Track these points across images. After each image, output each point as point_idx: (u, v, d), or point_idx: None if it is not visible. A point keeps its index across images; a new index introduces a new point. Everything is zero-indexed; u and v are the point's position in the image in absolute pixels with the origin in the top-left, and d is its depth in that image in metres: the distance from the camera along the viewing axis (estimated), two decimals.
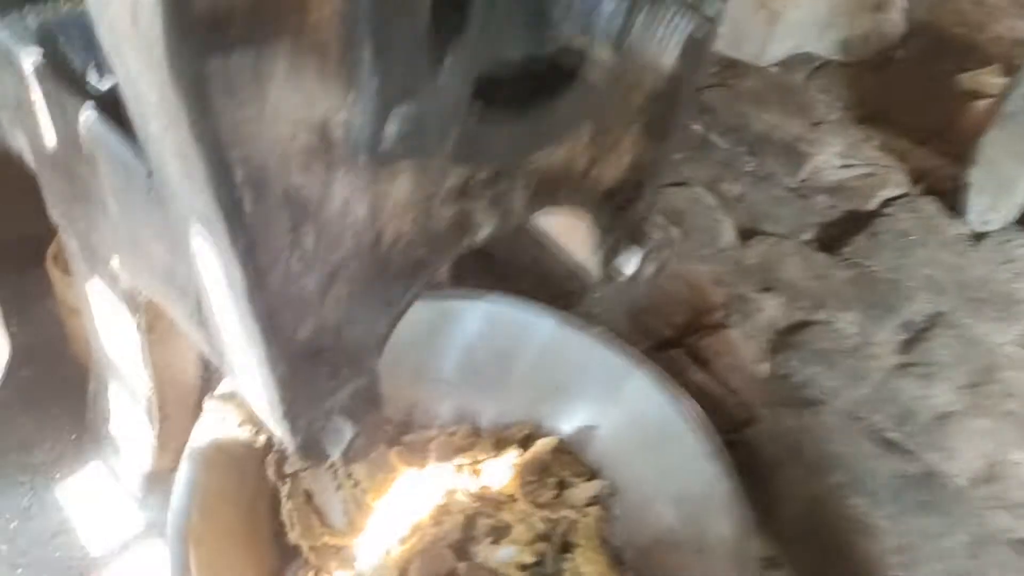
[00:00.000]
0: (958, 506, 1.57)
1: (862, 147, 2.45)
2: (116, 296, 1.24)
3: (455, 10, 0.72)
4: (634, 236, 1.17)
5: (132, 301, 1.21)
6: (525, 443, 1.60)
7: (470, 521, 1.51)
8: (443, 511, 1.49)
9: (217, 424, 1.40)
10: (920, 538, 1.53)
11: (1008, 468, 1.64)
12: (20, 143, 1.15)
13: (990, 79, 2.65)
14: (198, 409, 1.40)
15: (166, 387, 1.42)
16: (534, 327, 1.60)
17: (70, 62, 1.01)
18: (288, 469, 1.48)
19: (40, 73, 0.99)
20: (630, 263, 1.20)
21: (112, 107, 0.93)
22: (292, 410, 0.89)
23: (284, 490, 1.47)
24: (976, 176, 2.14)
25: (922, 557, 1.51)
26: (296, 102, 0.68)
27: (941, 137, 2.47)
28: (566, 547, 1.50)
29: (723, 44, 2.68)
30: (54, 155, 1.07)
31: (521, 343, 1.60)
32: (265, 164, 0.69)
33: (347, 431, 0.93)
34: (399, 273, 0.92)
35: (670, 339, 1.88)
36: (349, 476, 1.48)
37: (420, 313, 1.59)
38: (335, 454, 0.94)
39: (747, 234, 2.18)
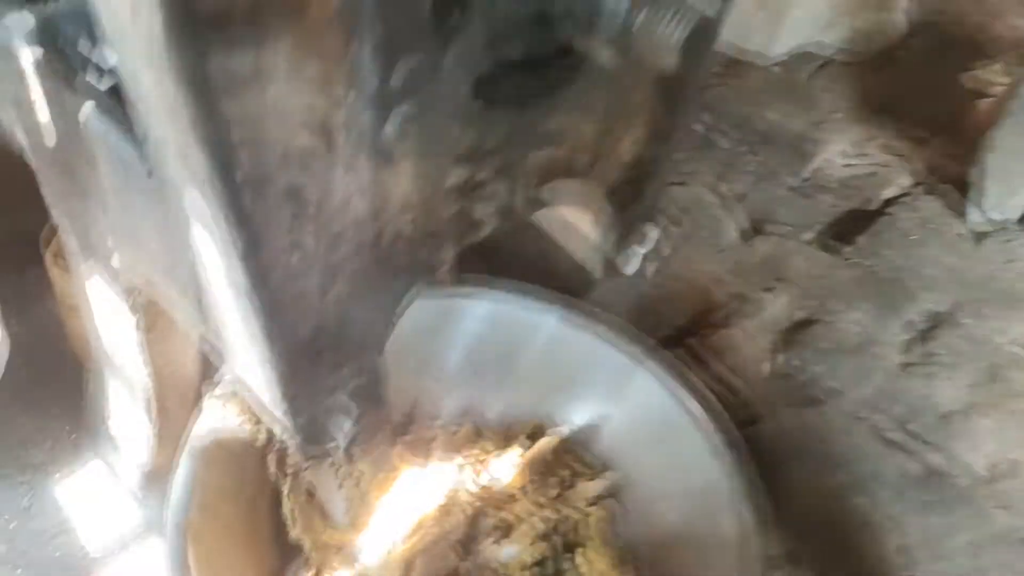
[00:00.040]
0: (964, 505, 1.56)
1: (866, 145, 2.43)
2: (115, 294, 1.23)
3: (456, 9, 0.71)
4: (635, 235, 1.17)
5: (131, 299, 1.21)
6: (530, 439, 1.59)
7: (474, 519, 1.50)
8: (446, 509, 1.48)
9: (217, 420, 1.39)
10: (925, 537, 1.52)
11: (1014, 467, 1.62)
12: (20, 140, 1.14)
13: (994, 77, 2.63)
14: (198, 406, 1.39)
15: (165, 384, 1.41)
16: (538, 322, 1.59)
17: (70, 59, 1.00)
18: (289, 466, 1.47)
19: (40, 70, 0.99)
20: (632, 261, 1.19)
21: (112, 105, 0.94)
22: (293, 406, 0.89)
23: (285, 487, 1.47)
24: (980, 174, 2.12)
25: (927, 556, 1.50)
26: (297, 100, 0.67)
27: (945, 135, 2.44)
28: (571, 545, 1.49)
29: (725, 42, 2.66)
30: (54, 152, 1.07)
31: (525, 338, 1.59)
32: (266, 163, 0.68)
33: (349, 427, 0.92)
34: (400, 271, 0.91)
35: (673, 337, 1.87)
36: (351, 473, 1.47)
37: (422, 309, 1.57)
38: (337, 450, 0.93)
39: (750, 232, 2.16)
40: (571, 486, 1.57)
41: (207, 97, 0.61)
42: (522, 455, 1.55)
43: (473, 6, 0.71)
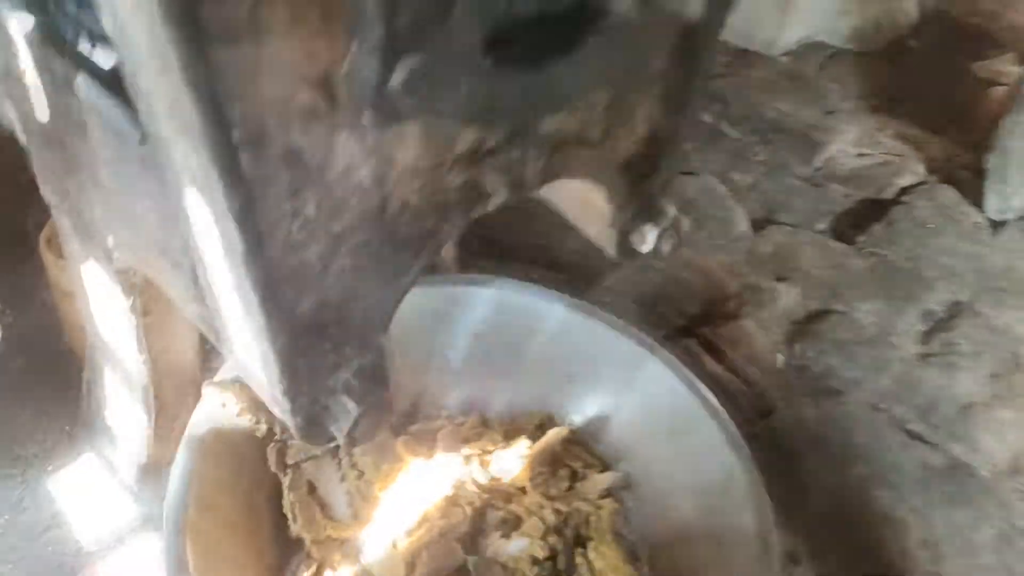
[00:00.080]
0: (986, 498, 1.52)
1: (877, 136, 2.41)
2: (110, 277, 1.19)
3: None
4: (650, 212, 1.12)
5: (126, 281, 1.16)
6: (536, 433, 1.54)
7: (479, 513, 1.45)
8: (451, 503, 1.43)
9: (216, 411, 1.34)
10: (948, 531, 1.48)
11: None
12: (10, 116, 1.10)
13: (1006, 67, 2.61)
14: (197, 397, 1.35)
15: (163, 374, 1.37)
16: (544, 313, 1.54)
17: (61, 30, 0.96)
18: (290, 459, 1.42)
19: (31, 40, 0.95)
20: (646, 240, 1.14)
21: (105, 77, 0.90)
22: (293, 388, 0.84)
23: (286, 481, 1.42)
24: (994, 164, 2.10)
25: (951, 551, 1.46)
26: (297, 53, 0.63)
27: (958, 125, 2.42)
28: (579, 541, 1.44)
29: (733, 33, 2.64)
30: (45, 126, 1.03)
31: (531, 329, 1.55)
32: (264, 122, 0.64)
33: (351, 411, 0.88)
34: (406, 244, 0.87)
35: (683, 328, 1.84)
36: (354, 466, 1.43)
37: (426, 299, 1.56)
38: (338, 435, 0.88)
39: (760, 224, 2.14)
40: (580, 479, 1.52)
41: (200, 45, 0.57)
42: (529, 448, 1.50)
43: None
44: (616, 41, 0.82)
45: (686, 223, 2.17)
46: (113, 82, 0.87)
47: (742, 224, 2.09)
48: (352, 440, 0.89)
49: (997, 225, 2.07)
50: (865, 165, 2.30)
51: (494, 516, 1.45)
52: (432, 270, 1.62)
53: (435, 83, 0.70)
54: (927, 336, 1.82)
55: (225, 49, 0.58)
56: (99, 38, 0.93)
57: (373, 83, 0.67)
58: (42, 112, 1.01)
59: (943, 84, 2.61)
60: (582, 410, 1.57)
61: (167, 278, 0.96)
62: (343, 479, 1.44)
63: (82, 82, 0.91)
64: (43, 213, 1.40)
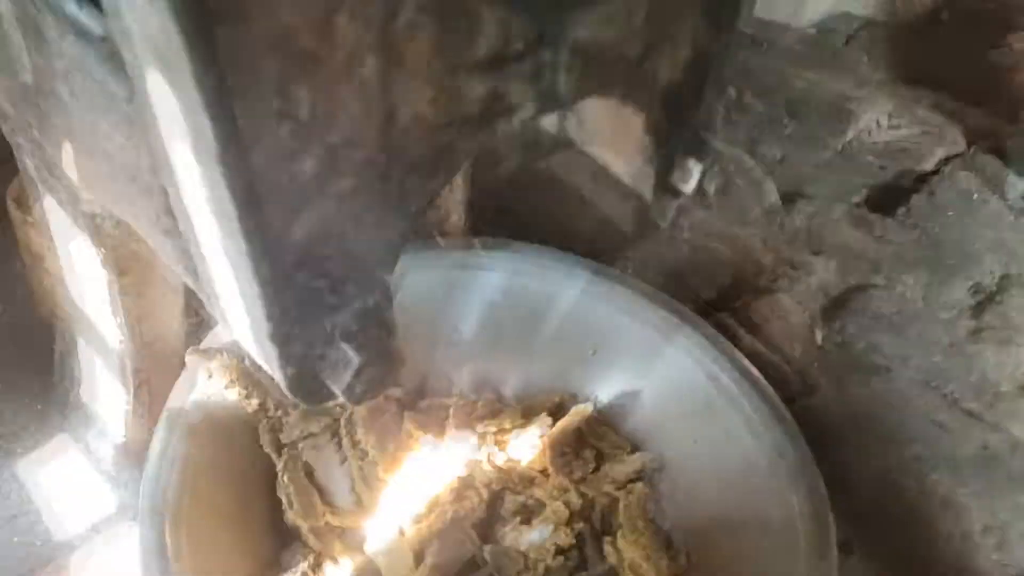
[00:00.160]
0: None
1: (913, 107, 2.30)
2: (79, 225, 1.06)
3: None
4: (694, 146, 0.99)
5: (95, 227, 1.04)
6: (556, 413, 1.42)
7: (496, 498, 1.34)
8: (465, 486, 1.32)
9: (202, 383, 1.23)
10: (1013, 515, 1.36)
11: None
12: None
13: None
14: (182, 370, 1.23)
15: (144, 344, 1.25)
16: (564, 281, 1.43)
17: None
18: (285, 438, 1.31)
19: None
20: (690, 177, 1.02)
21: None
22: (283, 331, 0.71)
23: (280, 463, 1.30)
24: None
25: (1016, 536, 1.34)
26: None
27: (997, 96, 2.31)
28: (607, 529, 1.33)
29: (757, 4, 2.53)
30: None
31: (549, 300, 1.44)
32: None
33: (352, 361, 0.74)
34: (417, 163, 0.74)
35: (714, 302, 1.72)
36: (356, 446, 1.31)
37: (434, 267, 1.45)
38: (337, 390, 0.75)
39: (791, 197, 2.03)
40: (599, 467, 1.41)
41: None
42: (550, 427, 1.38)
43: None
44: None
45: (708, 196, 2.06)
46: None
47: (772, 196, 1.98)
48: (353, 396, 0.75)
49: None
50: (900, 137, 2.19)
51: (512, 501, 1.34)
52: (441, 236, 1.49)
53: None
54: (978, 310, 1.70)
55: None
56: None
57: None
58: None
59: (968, 63, 2.50)
60: (606, 387, 1.45)
61: (135, 208, 0.84)
62: (344, 461, 1.32)
63: None
64: (16, 178, 1.29)
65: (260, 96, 0.58)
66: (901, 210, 1.96)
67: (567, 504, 1.31)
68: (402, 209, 0.76)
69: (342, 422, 1.33)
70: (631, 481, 1.36)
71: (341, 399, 0.77)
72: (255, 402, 1.26)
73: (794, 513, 1.20)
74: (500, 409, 1.44)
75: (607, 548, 1.29)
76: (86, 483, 1.47)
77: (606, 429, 1.42)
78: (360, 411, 1.33)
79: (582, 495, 1.33)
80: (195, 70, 0.52)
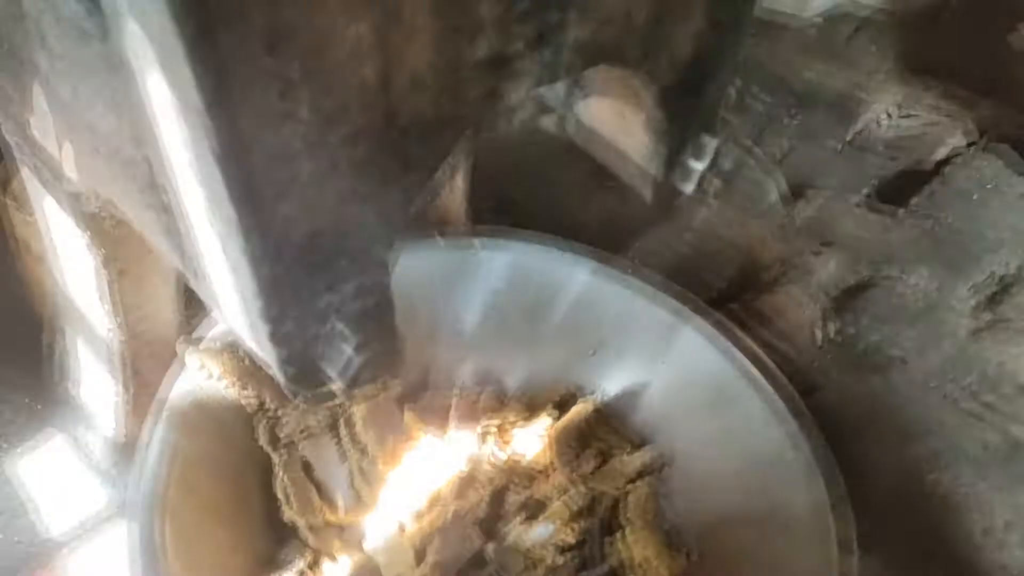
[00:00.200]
0: None
1: (913, 105, 2.26)
2: (66, 209, 1.03)
3: None
4: (705, 126, 0.96)
5: (81, 211, 1.01)
6: (560, 407, 1.41)
7: (498, 495, 1.32)
8: (467, 483, 1.30)
9: (198, 379, 1.21)
10: (1013, 517, 1.36)
11: None
12: None
13: None
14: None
15: (137, 336, 1.22)
16: (567, 274, 1.40)
17: None
18: (283, 435, 1.29)
19: None
20: (690, 176, 0.99)
21: None
22: (275, 309, 0.68)
23: (278, 460, 1.28)
24: None
25: (1017, 538, 1.34)
26: None
27: (996, 95, 2.27)
28: (611, 526, 1.30)
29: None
30: None
31: (553, 293, 1.41)
32: None
33: (350, 342, 0.71)
34: (416, 134, 0.70)
35: (715, 301, 1.68)
36: (356, 443, 1.29)
37: (435, 260, 1.41)
38: (335, 376, 0.72)
39: (797, 191, 1.99)
40: (604, 463, 1.39)
41: None
42: (550, 426, 1.36)
43: None
44: None
45: (711, 193, 2.04)
46: None
47: (772, 195, 1.95)
48: (350, 379, 0.72)
49: None
50: (903, 134, 2.15)
51: (515, 498, 1.32)
52: (442, 229, 1.46)
53: None
54: (978, 309, 1.67)
55: None
56: None
57: None
58: None
59: (978, 53, 2.46)
60: (613, 380, 1.43)
61: (121, 185, 0.81)
62: (344, 457, 1.30)
63: None
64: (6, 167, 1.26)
65: (261, 96, 0.55)
66: (912, 201, 1.92)
67: (571, 501, 1.28)
68: (400, 185, 0.73)
69: (342, 419, 1.31)
70: (638, 477, 1.34)
71: (338, 383, 0.74)
72: (254, 399, 1.23)
73: (812, 507, 1.18)
74: (503, 403, 1.42)
75: (611, 546, 1.27)
76: (77, 479, 1.44)
77: (612, 424, 1.41)
78: (360, 408, 1.30)
79: (585, 493, 1.30)
80: (174, 11, 0.49)
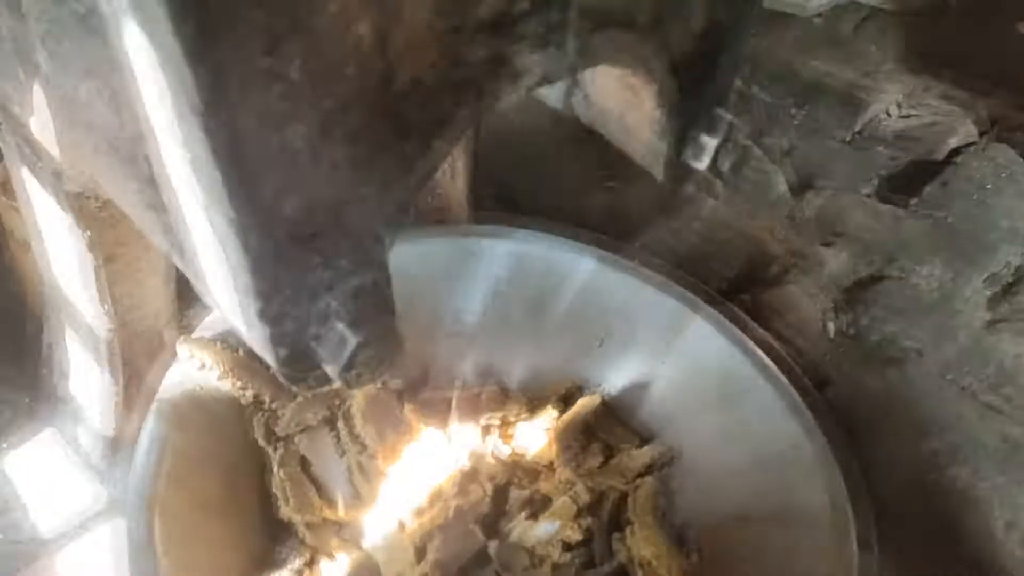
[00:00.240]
0: None
1: (923, 96, 2.23)
2: (63, 206, 1.00)
3: None
4: (709, 119, 0.93)
5: (80, 208, 0.98)
6: (565, 401, 1.39)
7: (501, 492, 1.29)
8: (469, 479, 1.28)
9: (193, 373, 1.18)
10: None
11: None
12: None
13: None
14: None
15: (126, 326, 1.19)
16: (571, 266, 1.38)
17: None
18: (280, 430, 1.26)
19: None
20: (703, 153, 0.95)
21: None
22: (274, 309, 0.65)
23: (275, 456, 1.26)
24: None
25: None
26: None
27: (1008, 85, 2.25)
28: (617, 524, 1.27)
29: None
30: None
31: (556, 285, 1.39)
32: None
33: (349, 342, 0.68)
34: (417, 129, 0.68)
35: (723, 294, 1.66)
36: (355, 438, 1.26)
37: (436, 252, 1.38)
38: (332, 371, 0.69)
39: (801, 187, 1.97)
40: (613, 456, 1.37)
41: None
42: (555, 420, 1.34)
43: None
44: None
45: (718, 185, 2.01)
46: None
47: (780, 187, 1.93)
48: (350, 379, 0.69)
49: None
50: (912, 126, 2.13)
51: (518, 495, 1.30)
52: (442, 220, 1.43)
53: None
54: (996, 300, 1.64)
55: None
56: None
57: None
58: None
59: (988, 44, 2.43)
60: (616, 377, 1.41)
61: (121, 185, 0.78)
62: (342, 453, 1.27)
63: None
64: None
65: (247, 50, 0.52)
66: (916, 198, 1.91)
67: (575, 499, 1.26)
68: (399, 179, 0.70)
69: (340, 413, 1.28)
70: (645, 472, 1.31)
71: (332, 366, 0.71)
72: (250, 393, 1.20)
73: (829, 503, 1.15)
74: (505, 399, 1.39)
75: (617, 544, 1.24)
76: (74, 478, 1.41)
77: (618, 418, 1.38)
78: (359, 402, 1.28)
79: (591, 489, 1.28)
80: (173, 15, 0.47)
